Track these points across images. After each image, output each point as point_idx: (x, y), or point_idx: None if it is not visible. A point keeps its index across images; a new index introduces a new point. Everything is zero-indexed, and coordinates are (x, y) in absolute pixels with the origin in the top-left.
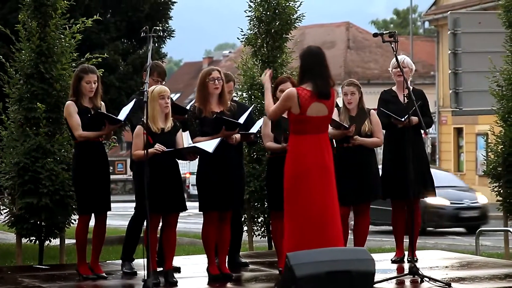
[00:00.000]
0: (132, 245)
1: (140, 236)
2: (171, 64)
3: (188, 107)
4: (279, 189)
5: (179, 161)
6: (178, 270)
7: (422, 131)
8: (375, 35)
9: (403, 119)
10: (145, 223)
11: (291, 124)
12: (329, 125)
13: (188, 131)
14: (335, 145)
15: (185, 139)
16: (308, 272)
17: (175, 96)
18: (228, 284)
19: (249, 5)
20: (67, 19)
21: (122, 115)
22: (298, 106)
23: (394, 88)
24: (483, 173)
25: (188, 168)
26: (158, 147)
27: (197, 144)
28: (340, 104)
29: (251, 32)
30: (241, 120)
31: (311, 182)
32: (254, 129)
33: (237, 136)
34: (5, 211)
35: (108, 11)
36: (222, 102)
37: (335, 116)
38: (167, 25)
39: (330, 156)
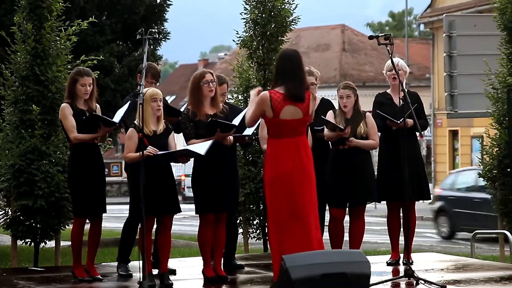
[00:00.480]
0: (127, 247)
1: (135, 238)
2: (167, 66)
3: (182, 109)
4: None
5: (173, 164)
6: (173, 272)
7: (418, 134)
8: (370, 37)
9: (399, 122)
10: (139, 225)
11: (267, 127)
12: (325, 127)
13: (181, 133)
14: (330, 147)
15: (177, 141)
16: (303, 274)
17: (170, 98)
18: (224, 286)
19: (244, 7)
20: (63, 21)
21: (117, 117)
22: (271, 109)
23: (388, 91)
24: (478, 176)
25: (183, 171)
26: (151, 149)
27: (189, 147)
28: (336, 107)
29: (247, 34)
30: (236, 122)
31: (290, 185)
32: (248, 131)
33: (231, 137)
34: (0, 213)
35: (104, 13)
36: (215, 105)
37: (330, 118)
38: (163, 27)
39: (309, 159)
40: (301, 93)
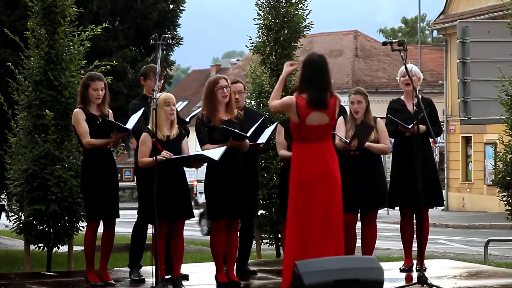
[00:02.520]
0: (138, 252)
1: (145, 242)
2: (179, 71)
3: (192, 115)
4: None
5: (185, 169)
6: (186, 277)
7: (431, 140)
8: (384, 43)
9: (409, 127)
10: (152, 230)
11: (293, 132)
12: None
13: (196, 139)
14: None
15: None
16: (316, 280)
17: (182, 104)
18: None
19: (258, 13)
20: (76, 27)
21: (130, 123)
22: (296, 115)
23: (402, 97)
24: (491, 183)
25: (195, 176)
26: (165, 153)
27: (203, 152)
28: (348, 112)
29: (260, 40)
30: (249, 133)
31: (315, 191)
32: (262, 139)
33: (247, 142)
34: (13, 217)
35: (117, 19)
36: (230, 110)
37: (341, 125)
38: (175, 33)
39: (335, 164)
40: (324, 99)
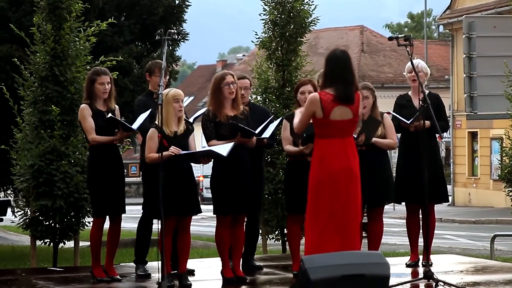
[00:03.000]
0: (143, 247)
1: (151, 238)
2: (185, 67)
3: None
4: (297, 193)
5: (192, 164)
6: (192, 273)
7: (437, 135)
8: (390, 38)
9: (409, 122)
10: (159, 226)
11: (316, 128)
12: None
13: (202, 134)
14: None
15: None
16: (323, 275)
17: (188, 99)
18: (242, 287)
19: (263, 8)
20: (82, 22)
21: (137, 123)
22: (321, 110)
23: (409, 92)
24: (497, 178)
25: (201, 171)
26: (174, 149)
27: (211, 148)
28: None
29: (266, 35)
30: (257, 130)
31: (336, 187)
32: (266, 134)
33: (253, 139)
34: (19, 213)
35: (123, 14)
36: (236, 107)
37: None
38: (181, 28)
39: (356, 160)
40: (351, 94)
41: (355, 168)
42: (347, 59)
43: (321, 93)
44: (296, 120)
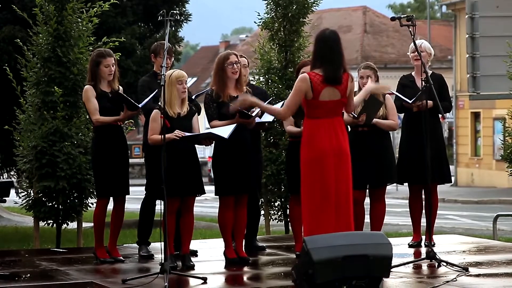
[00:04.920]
0: (146, 229)
1: (154, 219)
2: (188, 48)
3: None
4: (298, 173)
5: (197, 146)
6: (195, 253)
7: (440, 115)
8: (392, 19)
9: (410, 101)
10: (162, 207)
11: (305, 108)
12: None
13: (205, 114)
14: (349, 129)
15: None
16: (325, 256)
17: (192, 80)
18: (245, 268)
19: None
20: (84, 3)
21: (142, 102)
22: (311, 91)
23: (413, 73)
24: (500, 158)
25: (209, 152)
26: (178, 133)
27: (212, 130)
28: (357, 88)
29: (268, 16)
30: (254, 113)
31: (326, 166)
32: (268, 118)
33: (253, 120)
34: (22, 194)
35: None
36: (239, 87)
37: None
38: (184, 9)
39: (346, 140)
40: (337, 75)
41: (345, 147)
42: (337, 39)
43: (310, 74)
44: (285, 105)
